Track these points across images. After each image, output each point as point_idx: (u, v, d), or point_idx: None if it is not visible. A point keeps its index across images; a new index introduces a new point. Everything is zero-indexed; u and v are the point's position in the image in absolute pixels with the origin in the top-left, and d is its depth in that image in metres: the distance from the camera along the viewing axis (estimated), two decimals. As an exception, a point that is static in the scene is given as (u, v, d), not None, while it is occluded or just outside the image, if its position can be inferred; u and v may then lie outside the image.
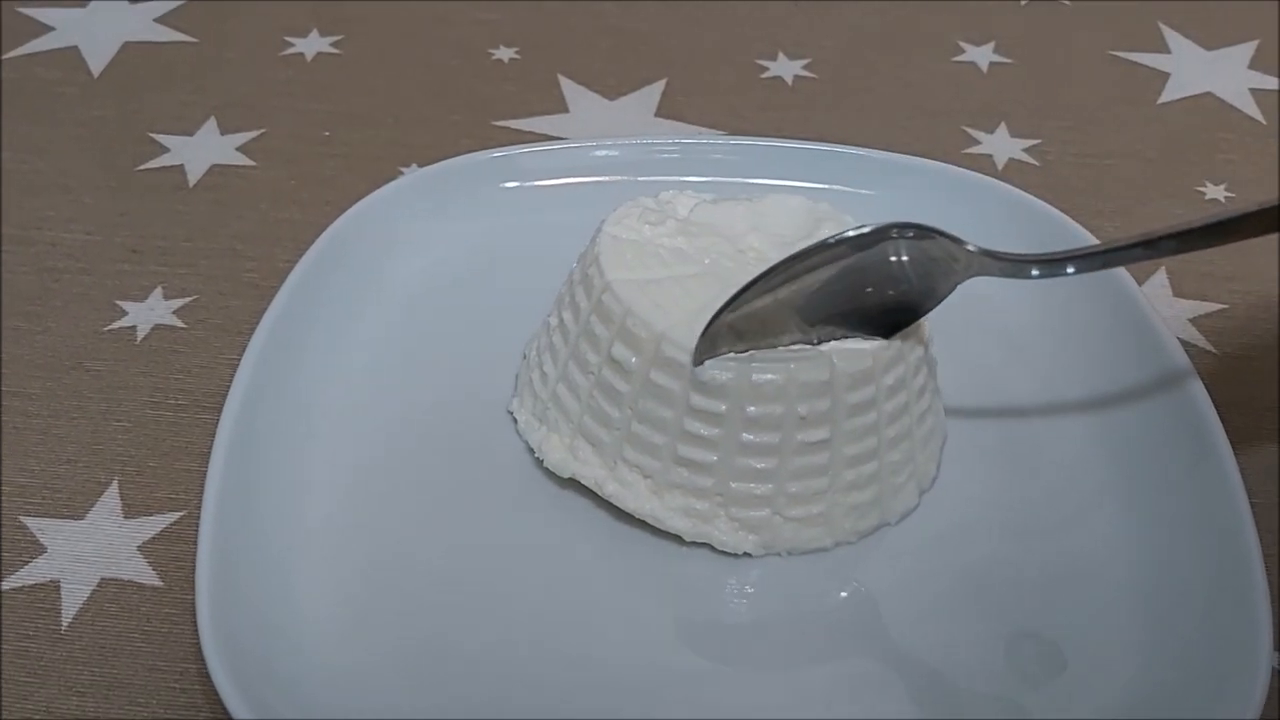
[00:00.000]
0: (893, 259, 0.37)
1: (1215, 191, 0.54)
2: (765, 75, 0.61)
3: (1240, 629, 0.34)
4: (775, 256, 0.40)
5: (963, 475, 0.40)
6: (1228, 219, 0.36)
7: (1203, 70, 0.61)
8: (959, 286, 0.38)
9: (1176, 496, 0.38)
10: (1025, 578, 0.37)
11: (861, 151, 0.50)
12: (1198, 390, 0.40)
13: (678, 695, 0.35)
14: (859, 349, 0.37)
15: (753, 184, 0.48)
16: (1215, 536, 0.37)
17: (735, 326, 0.37)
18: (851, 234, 0.37)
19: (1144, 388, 0.41)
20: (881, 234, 0.37)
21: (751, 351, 0.37)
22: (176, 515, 0.40)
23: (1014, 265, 0.38)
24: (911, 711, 0.34)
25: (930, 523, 0.39)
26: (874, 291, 0.38)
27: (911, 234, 0.37)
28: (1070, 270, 0.38)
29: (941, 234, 0.37)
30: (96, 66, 0.61)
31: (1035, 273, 0.38)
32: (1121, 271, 0.44)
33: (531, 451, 0.40)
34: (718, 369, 0.36)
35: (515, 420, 0.41)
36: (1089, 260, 0.38)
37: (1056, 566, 0.38)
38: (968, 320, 0.43)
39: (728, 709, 0.35)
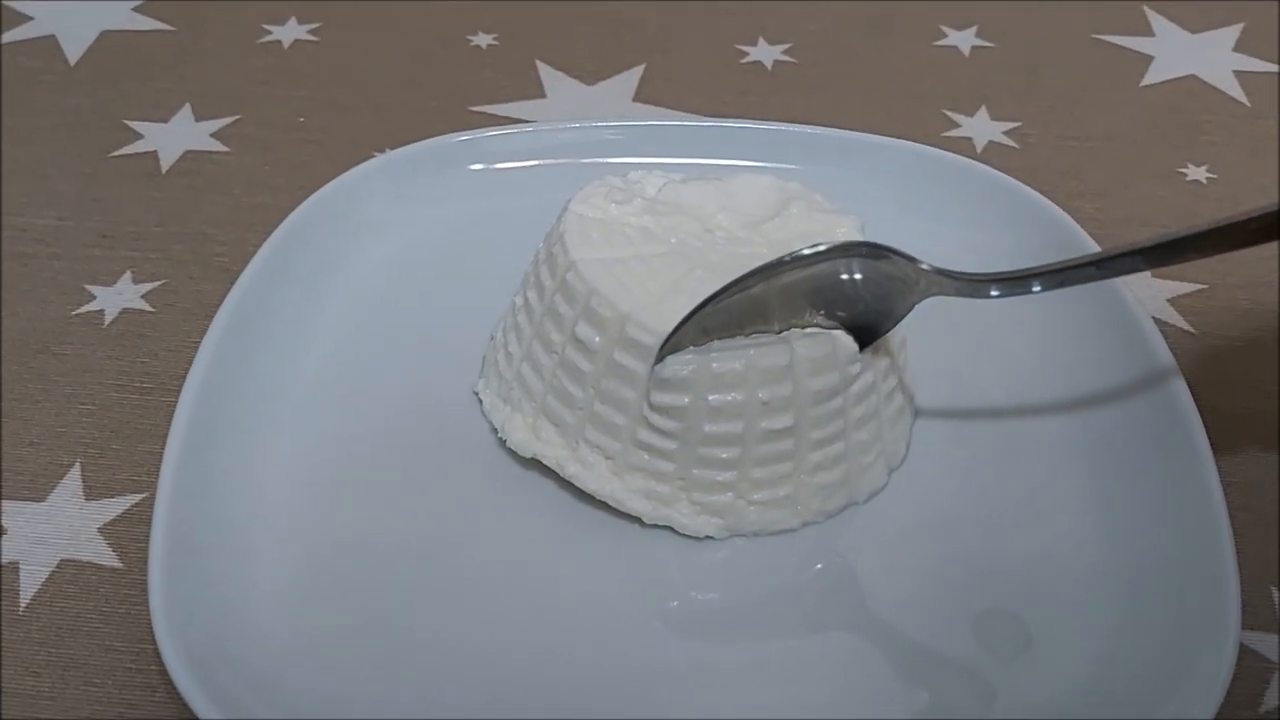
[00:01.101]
0: (844, 277, 0.37)
1: (1197, 173, 0.53)
2: (745, 60, 0.60)
3: (1209, 607, 0.33)
4: (744, 235, 0.40)
5: (932, 454, 0.40)
6: (1192, 234, 0.34)
7: (1187, 53, 0.61)
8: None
9: (1147, 478, 0.38)
10: (994, 556, 0.37)
11: (835, 132, 0.49)
12: (1172, 372, 0.39)
13: (640, 677, 0.34)
14: (820, 334, 0.37)
15: (726, 166, 0.47)
16: (1186, 517, 0.36)
17: (700, 323, 0.36)
18: (807, 252, 0.36)
19: (1118, 369, 0.41)
20: (832, 253, 0.36)
21: (712, 341, 0.36)
22: (138, 497, 0.40)
23: (971, 285, 0.37)
24: (881, 688, 0.34)
25: (899, 502, 0.39)
26: (828, 312, 0.37)
27: (864, 252, 0.36)
28: (1036, 288, 0.36)
29: (895, 252, 0.36)
30: (74, 55, 0.61)
31: (994, 293, 0.37)
32: (1094, 247, 0.44)
33: (496, 432, 0.40)
34: (678, 364, 0.36)
35: (480, 401, 0.41)
36: (1050, 278, 0.36)
37: (1027, 545, 0.37)
38: (938, 302, 0.42)
39: (690, 691, 0.34)
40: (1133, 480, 0.38)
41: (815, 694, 0.34)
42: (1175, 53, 0.61)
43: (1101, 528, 0.37)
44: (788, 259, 0.36)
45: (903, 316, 0.38)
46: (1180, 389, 0.38)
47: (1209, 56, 0.60)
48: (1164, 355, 0.40)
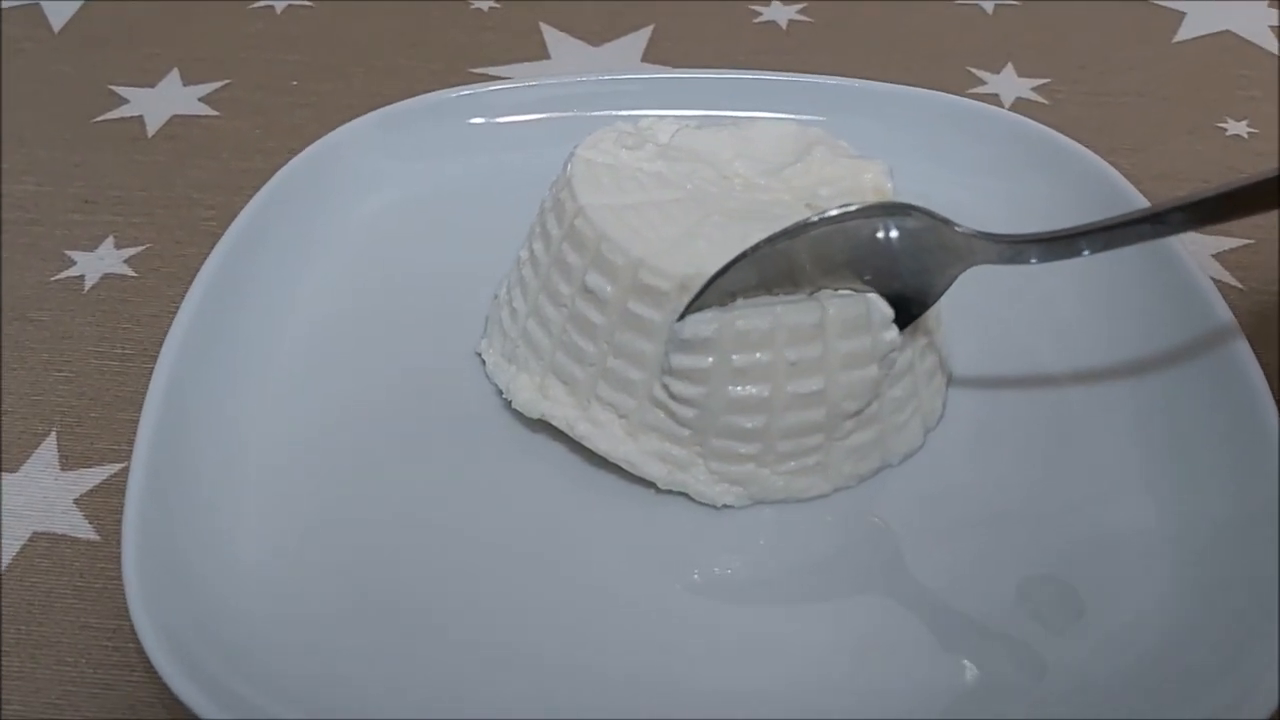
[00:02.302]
0: (880, 238, 0.34)
1: (1237, 128, 0.50)
2: (758, 20, 0.58)
3: (1270, 583, 0.30)
4: (764, 182, 0.37)
5: (969, 413, 0.37)
6: (1249, 184, 0.31)
7: (1221, 8, 0.58)
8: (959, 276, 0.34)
9: (1206, 443, 0.35)
10: (1040, 520, 0.34)
11: (861, 83, 0.46)
12: (1231, 331, 0.36)
13: (661, 654, 0.31)
14: (853, 295, 0.34)
15: (744, 118, 0.44)
16: (1248, 481, 0.33)
17: (724, 286, 0.33)
18: (835, 212, 0.33)
19: (1170, 325, 0.38)
20: (868, 212, 0.34)
21: (738, 300, 0.34)
22: (117, 467, 0.37)
23: (1014, 249, 0.34)
24: (923, 660, 0.31)
25: (937, 464, 0.36)
26: (861, 279, 0.34)
27: (901, 213, 0.34)
28: (1085, 251, 0.33)
29: (932, 215, 0.34)
30: (58, 23, 0.58)
31: (1035, 259, 0.34)
32: (1140, 199, 0.41)
33: (500, 393, 0.37)
34: (699, 323, 0.33)
35: (484, 362, 0.38)
36: (1098, 238, 0.33)
37: (1074, 509, 0.34)
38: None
39: (714, 666, 0.31)
40: (1189, 445, 0.35)
41: (852, 666, 0.31)
42: (1208, 8, 0.58)
43: (1156, 492, 0.34)
44: (815, 218, 0.33)
45: (943, 290, 0.35)
46: (1242, 350, 0.35)
47: (1244, 11, 0.58)
48: (1222, 312, 0.36)
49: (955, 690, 0.31)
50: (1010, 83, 0.53)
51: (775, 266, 0.33)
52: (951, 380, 0.38)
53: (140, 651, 0.31)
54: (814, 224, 0.33)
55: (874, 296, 0.34)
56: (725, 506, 0.35)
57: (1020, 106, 0.51)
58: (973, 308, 0.40)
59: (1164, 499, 0.34)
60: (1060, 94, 0.53)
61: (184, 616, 0.30)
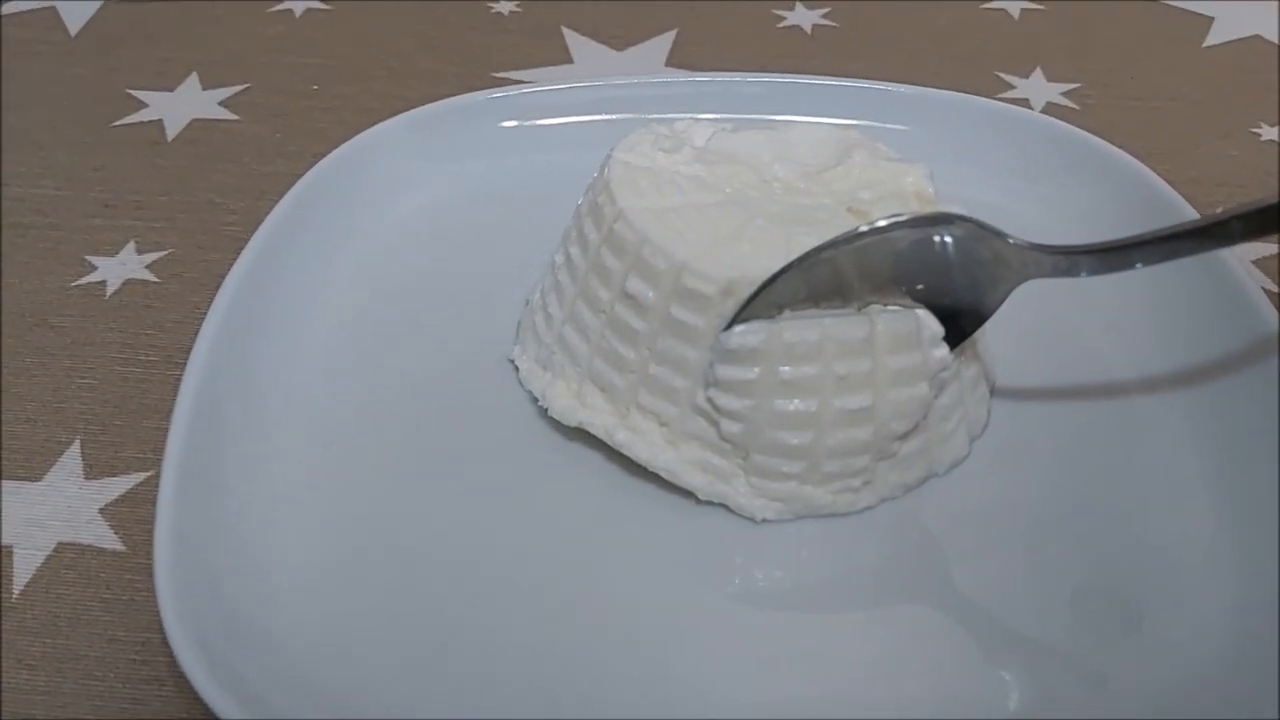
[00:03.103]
0: (931, 251, 0.33)
1: (1271, 133, 0.50)
2: (783, 25, 0.57)
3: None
4: (804, 186, 0.36)
5: (1015, 422, 0.36)
6: None
7: (1249, 13, 0.57)
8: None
9: (1260, 454, 0.34)
10: (1092, 532, 0.33)
11: (898, 87, 0.45)
12: (1276, 330, 0.35)
13: (701, 666, 0.31)
14: (903, 311, 0.33)
15: (778, 121, 0.44)
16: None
17: (770, 297, 0.32)
18: (883, 222, 0.33)
19: (1219, 333, 0.37)
20: (917, 222, 0.33)
21: (785, 312, 0.33)
22: (143, 476, 0.36)
23: (1069, 261, 0.33)
24: (977, 673, 0.30)
25: (984, 473, 0.35)
26: (911, 294, 0.33)
27: (952, 224, 0.33)
28: (1138, 264, 0.32)
29: (984, 227, 0.33)
30: (74, 26, 0.58)
31: (1086, 272, 0.33)
32: (1182, 204, 0.40)
33: (535, 401, 0.36)
34: (748, 333, 0.32)
35: (517, 369, 0.38)
36: (1154, 250, 0.32)
37: (1127, 520, 0.33)
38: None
39: (757, 679, 0.30)
40: (1243, 455, 0.34)
41: (899, 680, 0.30)
42: (1237, 13, 0.57)
43: (1210, 500, 0.34)
44: (865, 228, 0.32)
45: (996, 306, 0.34)
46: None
47: (1274, 16, 0.57)
48: (1270, 318, 0.36)
49: (1007, 705, 0.30)
50: (1040, 87, 0.52)
51: (822, 278, 0.33)
52: (994, 389, 0.37)
53: (171, 665, 0.31)
54: (863, 234, 0.33)
55: (923, 312, 0.33)
56: (764, 520, 0.34)
57: (1051, 111, 0.51)
58: (1012, 314, 0.39)
59: (1219, 507, 0.33)
60: (1091, 98, 0.52)
61: (217, 628, 0.29)
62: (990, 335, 0.37)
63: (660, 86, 0.46)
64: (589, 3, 0.58)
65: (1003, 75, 0.53)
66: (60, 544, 0.34)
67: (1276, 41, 0.55)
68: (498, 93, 0.45)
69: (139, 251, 0.44)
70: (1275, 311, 0.36)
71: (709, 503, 0.34)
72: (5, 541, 0.34)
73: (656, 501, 0.34)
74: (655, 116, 0.43)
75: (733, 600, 0.32)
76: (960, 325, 0.34)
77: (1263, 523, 0.32)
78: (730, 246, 0.33)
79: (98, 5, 0.59)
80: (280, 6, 0.58)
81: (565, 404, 0.35)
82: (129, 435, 0.37)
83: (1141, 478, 0.34)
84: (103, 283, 0.43)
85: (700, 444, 0.34)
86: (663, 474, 0.34)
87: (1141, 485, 0.34)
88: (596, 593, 0.32)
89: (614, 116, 0.44)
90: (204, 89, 0.53)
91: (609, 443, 0.35)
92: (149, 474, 0.36)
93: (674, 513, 0.34)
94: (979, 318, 0.34)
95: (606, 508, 0.34)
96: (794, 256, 0.32)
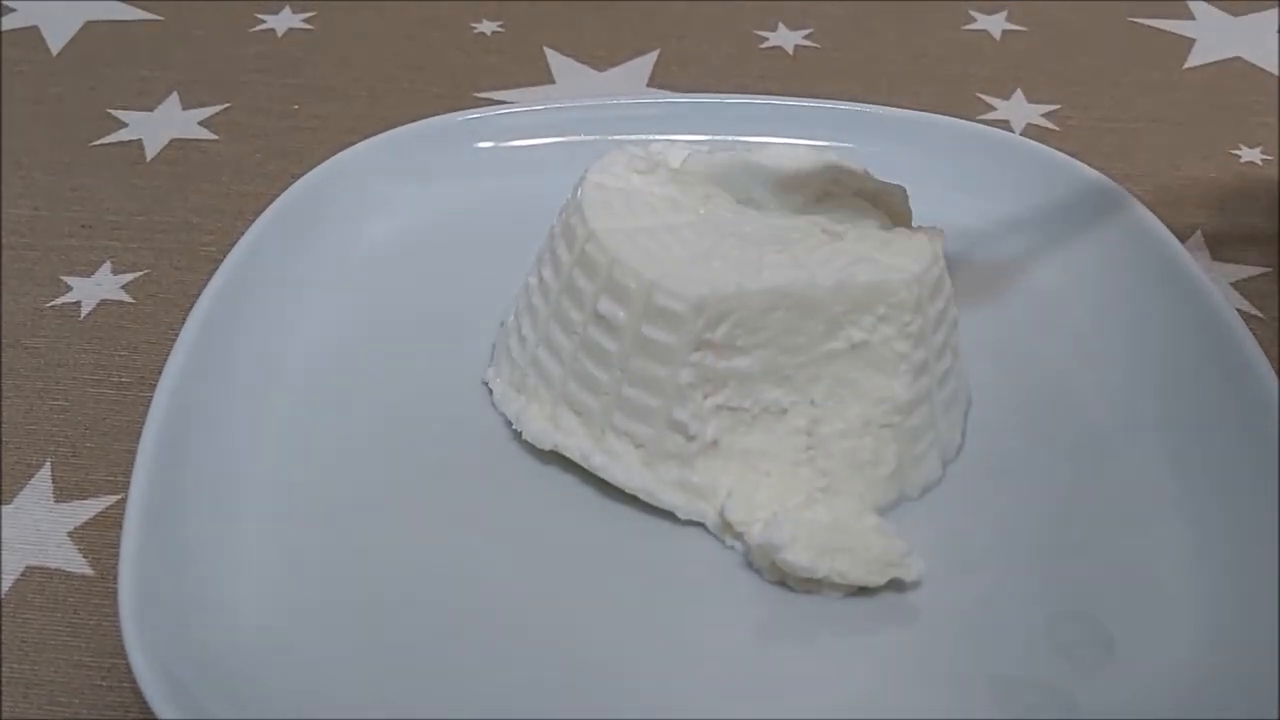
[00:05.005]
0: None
1: (1251, 154, 0.50)
2: (765, 45, 0.57)
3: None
4: (778, 207, 0.36)
5: (990, 446, 0.36)
6: None
7: (1230, 35, 0.58)
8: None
9: (1234, 477, 0.34)
10: (1066, 556, 0.33)
11: (878, 109, 0.46)
12: (1252, 352, 0.35)
13: (681, 691, 0.30)
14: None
15: (754, 143, 0.44)
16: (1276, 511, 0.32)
17: None
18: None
19: (1189, 349, 0.37)
20: None
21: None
22: (113, 499, 0.36)
23: None
24: (945, 695, 0.30)
25: (956, 497, 0.35)
26: None
27: None
28: None
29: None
30: (56, 45, 0.57)
31: None
32: (1159, 226, 0.40)
33: (509, 424, 0.36)
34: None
35: (491, 391, 0.37)
36: None
37: (1102, 546, 0.33)
38: (992, 280, 0.39)
39: (737, 703, 0.30)
40: (1218, 478, 0.34)
41: (870, 704, 0.30)
42: (1217, 34, 0.58)
43: (1186, 527, 0.33)
44: None
45: None
46: (1268, 379, 0.34)
47: (1254, 38, 0.57)
48: (1246, 340, 0.36)
49: (981, 731, 0.30)
50: (1020, 108, 0.53)
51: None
52: (970, 410, 0.37)
53: (136, 692, 0.30)
54: None
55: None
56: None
57: (1032, 132, 0.51)
58: (988, 337, 0.39)
59: (1194, 530, 0.33)
60: (1071, 120, 0.52)
61: (182, 657, 0.29)
62: (966, 357, 0.37)
63: (637, 107, 0.46)
64: (571, 23, 0.58)
65: (983, 97, 0.53)
66: (29, 567, 0.34)
67: (1256, 63, 0.55)
68: (474, 114, 0.45)
69: (115, 272, 0.44)
70: (1251, 334, 0.36)
71: (689, 522, 0.34)
72: (-28, 565, 0.34)
73: (636, 523, 0.34)
74: (632, 137, 0.43)
75: (713, 621, 0.32)
76: None
77: (1238, 547, 0.32)
78: (702, 265, 0.33)
79: (80, 24, 0.59)
80: (262, 26, 0.58)
81: (540, 427, 0.35)
82: (100, 458, 0.37)
83: (1117, 501, 0.34)
84: (78, 303, 0.43)
85: (678, 463, 0.34)
86: (640, 495, 0.34)
87: (1117, 508, 0.34)
88: (578, 618, 0.32)
89: (591, 138, 0.44)
90: (184, 109, 0.53)
91: (585, 466, 0.34)
92: (120, 497, 0.36)
93: (654, 533, 0.34)
94: None
95: (585, 531, 0.34)
96: (766, 275, 0.32)
